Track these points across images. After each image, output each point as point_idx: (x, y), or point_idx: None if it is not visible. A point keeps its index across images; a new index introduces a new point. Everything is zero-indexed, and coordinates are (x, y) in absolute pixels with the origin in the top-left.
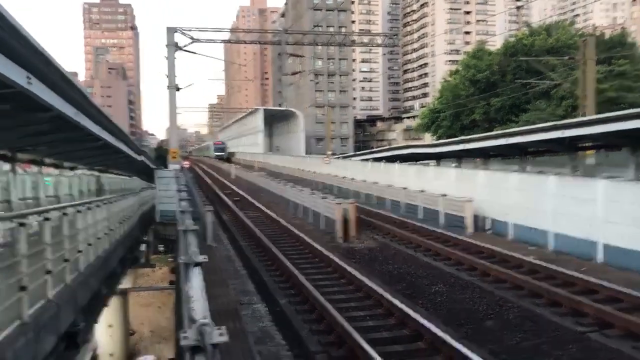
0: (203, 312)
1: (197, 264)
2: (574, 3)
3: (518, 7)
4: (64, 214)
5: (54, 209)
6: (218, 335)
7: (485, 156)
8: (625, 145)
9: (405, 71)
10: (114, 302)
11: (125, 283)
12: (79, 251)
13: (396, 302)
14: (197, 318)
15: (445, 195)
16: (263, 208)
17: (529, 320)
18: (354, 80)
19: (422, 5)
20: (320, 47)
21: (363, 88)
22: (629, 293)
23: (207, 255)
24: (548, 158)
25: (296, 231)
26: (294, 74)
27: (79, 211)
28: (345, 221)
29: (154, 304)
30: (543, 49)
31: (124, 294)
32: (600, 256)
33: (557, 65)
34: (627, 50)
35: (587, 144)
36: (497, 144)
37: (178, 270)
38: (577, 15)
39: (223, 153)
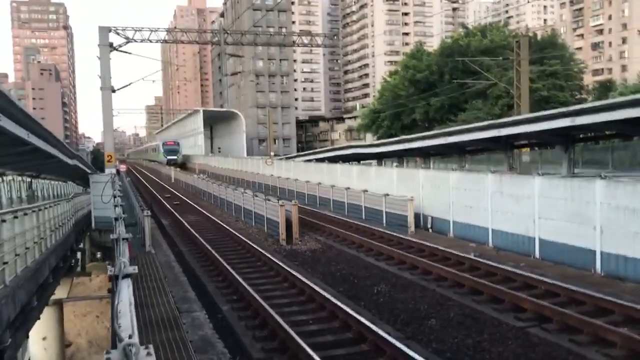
0: (130, 329)
1: (126, 276)
2: (507, 5)
3: (454, 9)
4: None
5: None
6: (145, 355)
7: (426, 155)
8: (558, 143)
9: (346, 72)
10: (47, 314)
11: (59, 293)
12: (5, 263)
13: (339, 304)
14: (123, 336)
15: (387, 194)
16: (204, 211)
17: (471, 318)
18: (295, 80)
19: (362, 7)
20: (260, 47)
21: (304, 89)
22: (565, 287)
23: (145, 264)
24: (486, 156)
25: (238, 234)
26: (234, 74)
27: (3, 220)
28: (288, 223)
29: (91, 314)
30: (479, 49)
31: (59, 304)
32: (537, 251)
33: (492, 66)
34: (557, 51)
35: (522, 142)
36: (436, 143)
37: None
38: (510, 17)
39: (176, 157)
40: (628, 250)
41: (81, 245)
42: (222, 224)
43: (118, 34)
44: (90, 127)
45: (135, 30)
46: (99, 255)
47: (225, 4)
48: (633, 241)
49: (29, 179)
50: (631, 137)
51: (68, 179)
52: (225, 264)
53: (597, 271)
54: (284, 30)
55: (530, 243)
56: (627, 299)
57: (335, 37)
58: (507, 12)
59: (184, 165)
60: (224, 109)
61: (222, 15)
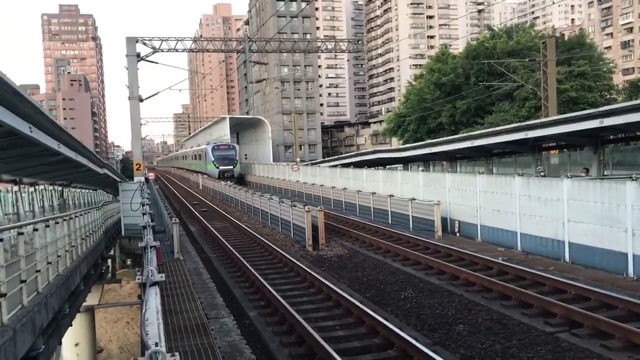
0: (157, 337)
1: (154, 284)
2: (533, 6)
3: (479, 11)
4: (19, 233)
5: (8, 228)
6: None
7: (452, 159)
8: (587, 145)
9: (371, 76)
10: (79, 320)
11: (91, 300)
12: (37, 271)
13: (366, 309)
14: (150, 344)
15: (413, 199)
16: (231, 218)
17: (499, 323)
18: (320, 86)
19: (386, 11)
20: (285, 54)
21: (330, 94)
22: (595, 291)
23: (173, 270)
24: (513, 159)
25: (264, 240)
26: (259, 81)
27: (35, 229)
28: (314, 228)
29: (122, 320)
30: (504, 51)
31: (91, 310)
32: (567, 255)
33: (518, 67)
34: (585, 51)
35: (550, 144)
36: (462, 147)
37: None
38: (537, 17)
39: (232, 167)
40: None
41: (111, 253)
42: (249, 230)
43: (145, 44)
44: (119, 135)
45: (162, 40)
46: (128, 262)
47: (250, 11)
48: None
49: (60, 188)
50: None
51: (98, 188)
52: (252, 270)
53: (629, 275)
54: (308, 36)
55: (559, 247)
56: None
57: (359, 42)
58: (533, 12)
59: (242, 179)
60: (250, 116)
61: (247, 22)
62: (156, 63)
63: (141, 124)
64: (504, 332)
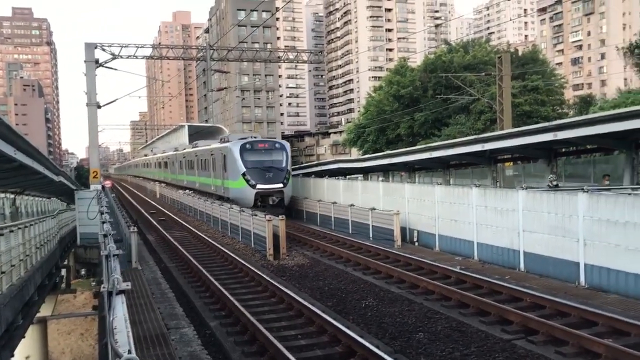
0: (127, 345)
1: (120, 292)
2: (488, 21)
3: (436, 26)
4: None
5: None
6: None
7: (411, 170)
8: (541, 157)
9: (331, 87)
10: (31, 332)
11: (44, 311)
12: None
13: (328, 318)
14: (121, 352)
15: (374, 209)
16: (190, 227)
17: (458, 331)
18: (280, 96)
19: (346, 23)
20: (246, 63)
21: (290, 104)
22: (550, 299)
23: (131, 279)
24: (470, 170)
25: (225, 250)
26: (219, 90)
27: None
28: (276, 238)
29: (76, 331)
30: (461, 65)
31: (43, 322)
32: (522, 264)
33: (475, 81)
34: (538, 67)
35: (506, 156)
36: (421, 158)
37: (102, 296)
38: (492, 33)
39: (282, 186)
40: (610, 263)
41: (66, 262)
42: (208, 239)
43: (104, 50)
44: (73, 143)
45: (122, 47)
46: (83, 272)
47: (210, 20)
48: (615, 253)
49: (12, 196)
50: (612, 151)
51: (52, 196)
52: (212, 280)
53: (581, 283)
54: (269, 46)
55: (515, 256)
56: (611, 310)
57: (320, 53)
58: (488, 28)
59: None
60: (209, 124)
61: (207, 31)
62: (115, 70)
63: (98, 131)
64: (463, 339)
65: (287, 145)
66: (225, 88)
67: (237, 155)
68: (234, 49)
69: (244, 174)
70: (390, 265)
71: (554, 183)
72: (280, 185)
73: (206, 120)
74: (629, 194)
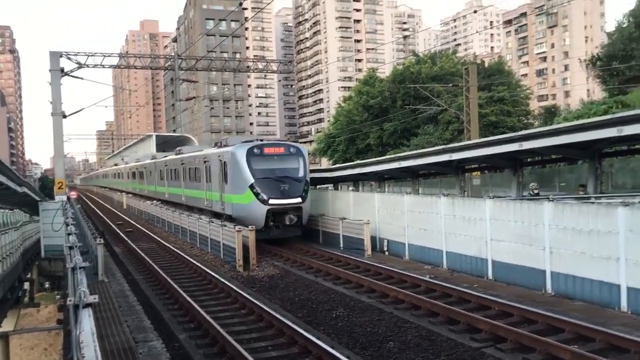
0: (95, 359)
1: (86, 305)
2: (455, 33)
3: (405, 37)
4: None
5: None
6: None
7: (381, 179)
8: (507, 167)
9: (301, 97)
10: None
11: (6, 325)
12: None
13: (298, 329)
14: None
15: (344, 218)
16: (158, 238)
17: (428, 340)
18: (250, 105)
19: (315, 34)
20: (214, 72)
21: (259, 113)
22: (517, 307)
23: (98, 293)
24: (438, 180)
25: (193, 261)
26: (187, 99)
27: None
28: (245, 249)
29: (39, 346)
30: (429, 76)
31: (5, 337)
32: (490, 272)
33: (442, 92)
34: (504, 78)
35: (473, 166)
36: (390, 168)
37: (67, 310)
38: (459, 44)
39: (300, 201)
40: (576, 270)
41: (29, 275)
42: (176, 251)
43: (70, 59)
44: (38, 153)
45: (88, 56)
46: (47, 285)
47: (178, 29)
48: (580, 261)
49: None
50: (576, 160)
51: (16, 207)
52: (181, 292)
53: (548, 291)
54: (238, 55)
55: (483, 264)
56: (576, 317)
57: (289, 63)
58: (455, 40)
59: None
60: (177, 134)
61: (175, 40)
62: (81, 79)
63: (64, 141)
64: (433, 348)
65: (304, 150)
66: (193, 97)
67: (242, 162)
68: (203, 58)
69: (252, 186)
70: (361, 274)
71: (535, 191)
72: (298, 199)
73: (174, 130)
74: (593, 202)
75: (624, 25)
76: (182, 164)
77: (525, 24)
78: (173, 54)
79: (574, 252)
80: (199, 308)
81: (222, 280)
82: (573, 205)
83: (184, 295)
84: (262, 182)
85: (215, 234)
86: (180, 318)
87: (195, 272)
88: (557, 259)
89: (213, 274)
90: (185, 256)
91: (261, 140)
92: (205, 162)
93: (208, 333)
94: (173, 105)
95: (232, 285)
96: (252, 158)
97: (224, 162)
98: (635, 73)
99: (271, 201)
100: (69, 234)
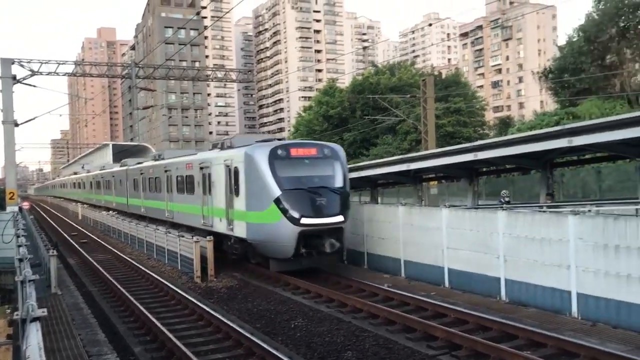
0: None
1: (34, 319)
2: (413, 45)
3: (364, 48)
4: None
5: None
6: None
7: None
8: (463, 176)
9: (261, 106)
10: None
11: None
12: None
13: (256, 340)
14: None
15: None
16: (113, 250)
17: (385, 348)
18: (209, 114)
19: (275, 43)
20: (173, 81)
21: (219, 122)
22: (473, 314)
23: (50, 305)
24: (396, 189)
25: (150, 273)
26: (145, 108)
27: None
28: (203, 259)
29: None
30: (388, 87)
31: None
32: (447, 280)
33: (400, 103)
34: (461, 89)
35: (430, 175)
36: (350, 177)
37: (17, 324)
38: (417, 56)
39: (342, 220)
40: (529, 277)
41: None
42: (133, 262)
43: (22, 66)
44: None
45: (42, 63)
46: None
47: (136, 37)
48: (532, 269)
49: None
50: (529, 170)
51: None
52: (137, 304)
53: (502, 298)
54: (197, 64)
55: (440, 273)
56: (529, 324)
57: (249, 72)
58: (414, 51)
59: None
60: (135, 143)
61: (133, 48)
62: (34, 86)
63: (16, 150)
64: (390, 356)
65: (341, 150)
66: (151, 106)
67: (264, 168)
68: (161, 67)
69: (278, 201)
70: (319, 284)
71: (507, 199)
72: (339, 218)
73: (131, 139)
74: (545, 211)
75: (574, 40)
76: (166, 171)
77: (481, 37)
78: (130, 62)
79: (527, 260)
80: (155, 320)
81: (179, 291)
82: (526, 214)
83: (140, 307)
84: (291, 194)
85: (172, 245)
86: (136, 331)
87: (152, 284)
88: (511, 266)
89: (170, 285)
90: (142, 267)
91: (282, 139)
92: (202, 168)
93: (164, 345)
94: (130, 114)
95: (189, 297)
96: (276, 162)
97: (234, 168)
98: (585, 85)
99: (304, 220)
100: (19, 246)
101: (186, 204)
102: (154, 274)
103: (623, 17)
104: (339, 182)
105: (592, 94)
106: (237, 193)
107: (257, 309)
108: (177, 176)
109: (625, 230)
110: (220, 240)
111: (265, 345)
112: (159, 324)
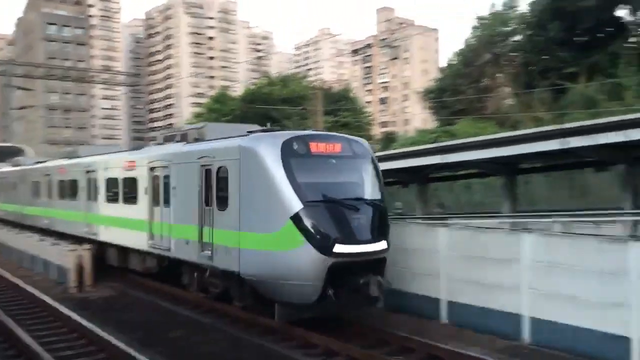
0: None
1: None
2: (307, 58)
3: (259, 57)
4: None
5: None
6: None
7: None
8: None
9: (152, 110)
10: None
11: None
12: None
13: (132, 352)
14: None
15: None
16: None
17: (264, 356)
18: (93, 116)
19: (167, 47)
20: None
21: (105, 125)
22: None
23: None
24: None
25: (20, 283)
26: (22, 108)
27: None
28: (81, 269)
29: None
30: (280, 98)
31: None
32: None
33: (292, 114)
34: (350, 104)
35: None
36: None
37: None
38: (310, 69)
39: (385, 247)
40: (406, 286)
41: None
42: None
43: None
44: None
45: None
46: None
47: (15, 31)
48: (410, 278)
49: None
50: (407, 184)
51: None
52: (3, 315)
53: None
54: (82, 64)
55: None
56: (402, 330)
57: (138, 75)
58: (307, 64)
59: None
60: (8, 144)
61: (11, 43)
62: None
63: None
64: None
65: (371, 148)
66: (29, 106)
67: (275, 169)
68: (42, 65)
69: (297, 218)
70: (200, 293)
71: (399, 210)
72: (383, 244)
73: (4, 140)
74: (420, 223)
75: (454, 63)
76: (88, 172)
77: (371, 55)
78: (6, 59)
79: (402, 269)
80: (22, 332)
81: (51, 302)
82: (404, 226)
83: (7, 318)
84: (317, 210)
85: (46, 253)
86: (2, 344)
87: (20, 295)
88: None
89: (42, 296)
90: (10, 277)
91: (306, 130)
92: (153, 169)
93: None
94: (6, 113)
95: (62, 309)
96: (293, 162)
97: (219, 168)
98: (461, 106)
99: (338, 248)
100: None
101: (120, 216)
102: (24, 284)
103: (496, 44)
104: (376, 193)
105: (468, 114)
106: (222, 205)
107: (135, 319)
108: (106, 179)
109: (485, 243)
110: (175, 268)
111: (140, 357)
112: (25, 337)
